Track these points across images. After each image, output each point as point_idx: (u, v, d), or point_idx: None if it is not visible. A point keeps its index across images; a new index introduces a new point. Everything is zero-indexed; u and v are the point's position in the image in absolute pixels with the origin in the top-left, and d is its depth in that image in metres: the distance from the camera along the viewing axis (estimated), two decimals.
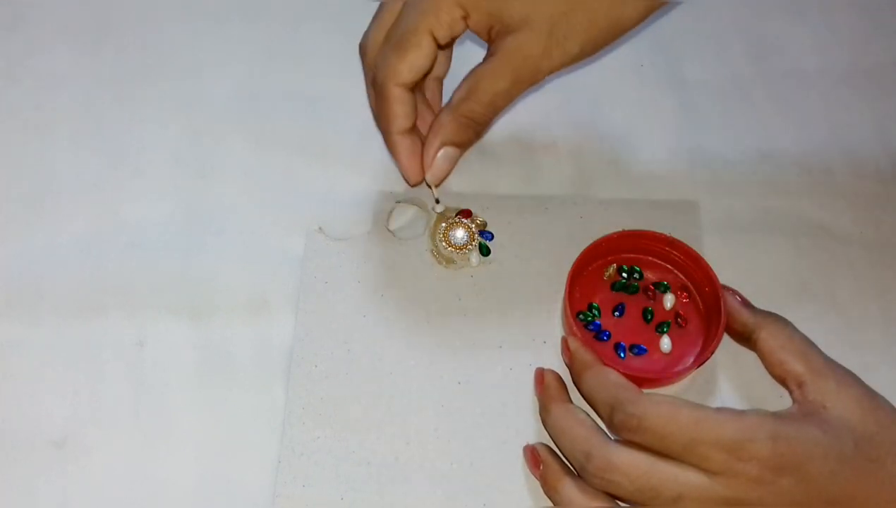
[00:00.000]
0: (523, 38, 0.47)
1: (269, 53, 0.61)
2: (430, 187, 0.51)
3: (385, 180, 0.55)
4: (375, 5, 0.62)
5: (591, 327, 0.49)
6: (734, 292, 0.48)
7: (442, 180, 0.51)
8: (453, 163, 0.51)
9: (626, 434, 0.42)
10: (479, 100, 0.48)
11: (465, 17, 0.47)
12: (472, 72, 0.49)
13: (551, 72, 0.48)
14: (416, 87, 0.50)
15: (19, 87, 0.59)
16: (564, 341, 0.48)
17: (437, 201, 0.52)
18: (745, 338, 0.47)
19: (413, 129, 0.50)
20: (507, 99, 0.49)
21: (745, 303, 0.48)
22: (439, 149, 0.50)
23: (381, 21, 0.50)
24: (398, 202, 0.54)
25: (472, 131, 0.50)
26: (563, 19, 0.46)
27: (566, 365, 0.48)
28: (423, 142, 0.50)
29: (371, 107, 0.52)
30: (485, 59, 0.49)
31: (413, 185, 0.52)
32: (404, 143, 0.50)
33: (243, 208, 0.54)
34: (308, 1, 0.63)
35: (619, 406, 0.42)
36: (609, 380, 0.44)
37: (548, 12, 0.46)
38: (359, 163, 0.56)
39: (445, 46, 0.50)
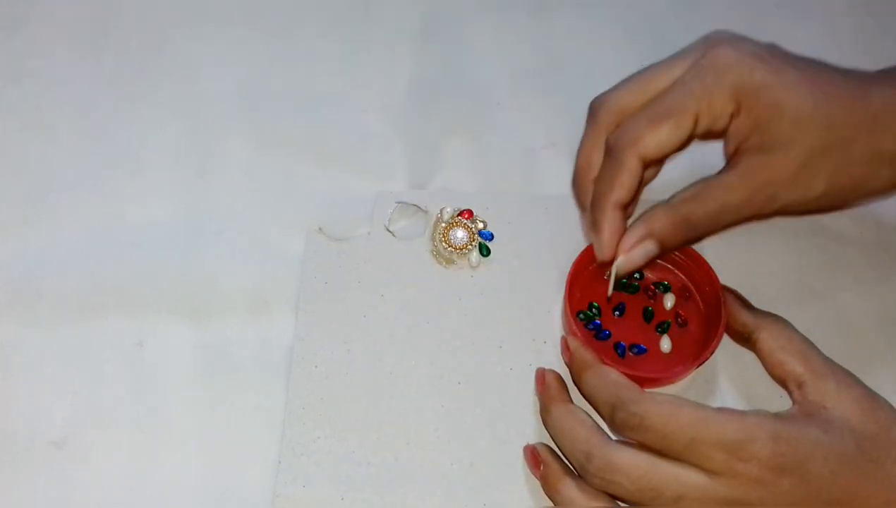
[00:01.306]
0: (776, 158, 0.44)
1: (269, 53, 0.61)
2: (610, 270, 0.47)
3: (385, 180, 0.55)
4: (373, 9, 0.63)
5: (591, 326, 0.49)
6: (734, 293, 0.48)
7: (627, 274, 0.47)
8: (647, 260, 0.45)
9: (627, 433, 0.42)
10: (704, 206, 0.45)
11: (734, 115, 0.44)
12: (705, 178, 0.45)
13: (786, 205, 0.45)
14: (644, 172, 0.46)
15: (19, 87, 0.59)
16: (564, 341, 0.47)
17: (611, 289, 0.47)
18: (745, 339, 0.47)
19: (626, 209, 0.46)
20: (734, 215, 0.45)
21: (745, 304, 0.48)
22: (643, 239, 0.45)
23: (630, 87, 0.46)
24: (398, 202, 0.54)
25: (681, 235, 0.45)
26: (819, 155, 0.44)
27: (566, 364, 0.48)
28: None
29: (575, 190, 0.48)
30: (723, 170, 0.45)
31: (599, 261, 0.47)
32: (615, 215, 0.45)
33: (243, 208, 0.54)
34: (308, 1, 0.63)
35: (621, 405, 0.42)
36: (610, 380, 0.44)
37: (810, 142, 0.43)
38: (359, 163, 0.56)
39: (693, 139, 0.46)
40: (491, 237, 0.52)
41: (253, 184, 0.55)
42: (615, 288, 0.48)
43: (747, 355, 0.48)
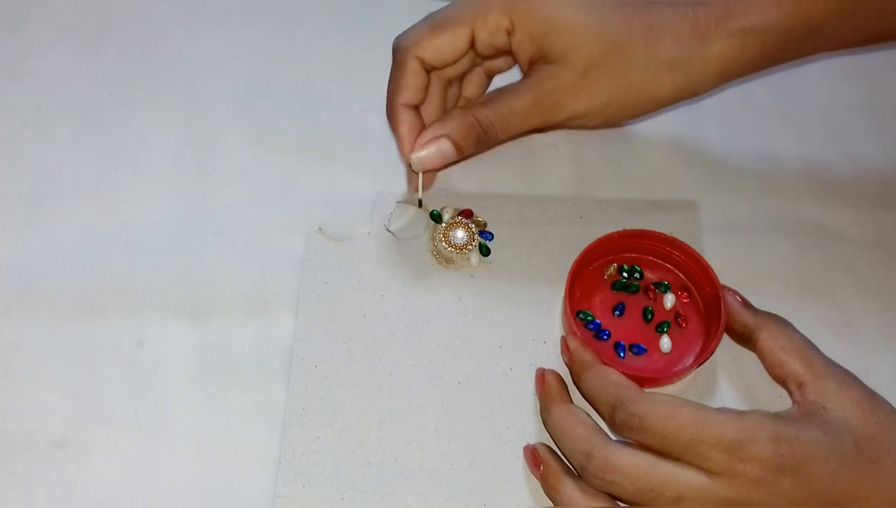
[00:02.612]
0: (557, 69, 0.47)
1: (269, 53, 0.61)
2: (414, 181, 0.51)
3: (385, 180, 0.55)
4: (374, 9, 0.63)
5: (591, 326, 0.49)
6: (734, 293, 0.48)
7: (427, 171, 0.50)
8: (444, 160, 0.49)
9: (627, 433, 0.42)
10: (496, 109, 0.48)
11: (510, 32, 0.47)
12: (499, 88, 0.49)
13: (573, 112, 0.48)
14: (434, 85, 0.50)
15: (19, 87, 0.59)
16: (564, 341, 0.48)
17: (420, 203, 0.51)
18: (746, 339, 0.47)
19: (418, 109, 0.50)
20: (521, 120, 0.49)
21: (746, 304, 0.48)
22: (438, 138, 0.49)
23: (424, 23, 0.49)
24: (398, 202, 0.54)
25: (474, 137, 0.49)
26: (599, 63, 0.46)
27: (566, 364, 0.48)
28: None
29: (388, 115, 0.51)
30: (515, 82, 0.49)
31: (406, 160, 0.50)
32: (406, 115, 0.49)
33: (243, 208, 0.54)
34: (308, 1, 0.63)
35: (621, 405, 0.42)
36: (610, 380, 0.44)
37: (587, 52, 0.46)
38: (359, 163, 0.56)
39: (482, 56, 0.49)
40: (491, 237, 0.52)
41: (253, 184, 0.55)
42: (422, 194, 0.51)
43: (747, 355, 0.48)
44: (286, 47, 0.61)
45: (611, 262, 0.50)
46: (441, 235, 0.51)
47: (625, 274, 0.50)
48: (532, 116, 0.48)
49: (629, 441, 0.42)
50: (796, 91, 0.58)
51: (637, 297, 0.49)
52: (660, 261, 0.50)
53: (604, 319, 0.49)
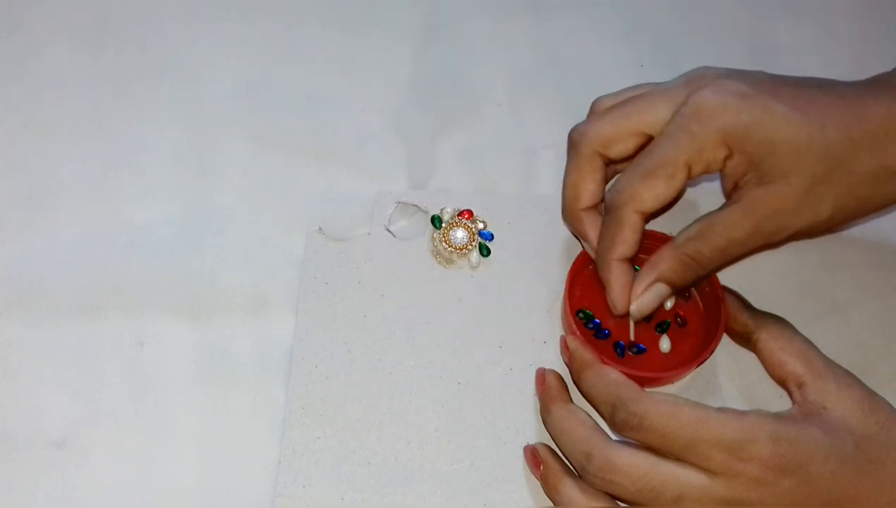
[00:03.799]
0: (778, 190, 0.43)
1: (269, 53, 0.61)
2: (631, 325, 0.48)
3: (385, 180, 0.55)
4: (374, 9, 0.62)
5: (591, 325, 0.49)
6: (734, 293, 0.48)
7: (645, 316, 0.47)
8: (662, 300, 0.46)
9: (627, 432, 0.42)
10: (711, 243, 0.45)
11: (727, 158, 0.44)
12: (707, 215, 0.45)
13: (795, 233, 0.45)
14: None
15: (19, 87, 0.59)
16: (563, 340, 0.47)
17: (632, 334, 0.48)
18: (746, 340, 0.47)
19: (632, 260, 0.47)
20: (740, 249, 0.45)
21: (745, 304, 0.48)
22: (652, 283, 0.46)
23: (613, 119, 0.47)
24: (398, 202, 0.54)
25: (691, 273, 0.46)
26: (823, 181, 0.43)
27: (566, 364, 0.48)
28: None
29: (569, 221, 0.49)
30: (724, 206, 0.45)
31: (617, 314, 0.47)
32: (621, 270, 0.46)
33: (243, 208, 0.54)
34: (308, 1, 0.63)
35: (621, 404, 0.42)
36: (610, 379, 0.44)
37: (811, 171, 0.43)
38: (359, 163, 0.56)
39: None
40: (491, 237, 0.52)
41: (253, 184, 0.55)
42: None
43: (747, 355, 0.48)
44: (286, 47, 0.61)
45: None
46: (441, 235, 0.51)
47: None
48: (752, 242, 0.45)
49: (629, 441, 0.42)
50: None
51: None
52: None
53: (604, 319, 0.49)
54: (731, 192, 0.45)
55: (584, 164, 0.47)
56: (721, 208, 0.45)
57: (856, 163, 0.44)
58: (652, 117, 0.46)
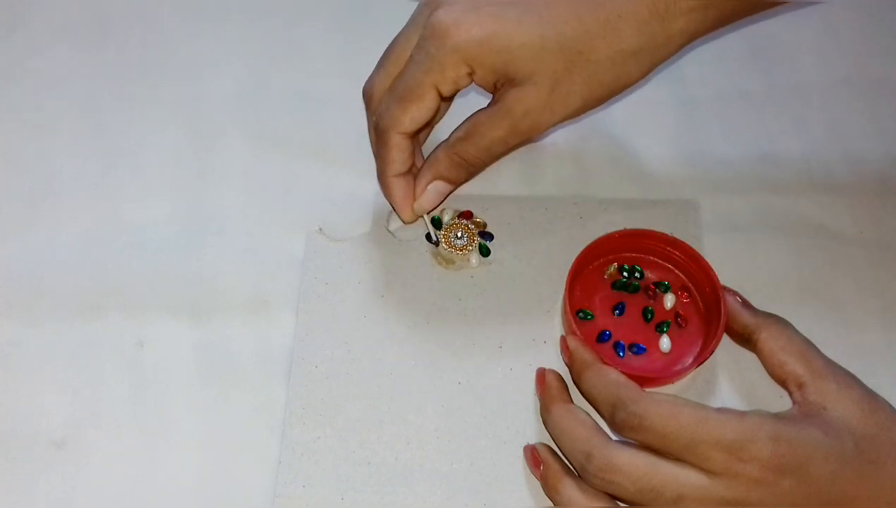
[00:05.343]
0: (526, 91, 0.46)
1: (269, 53, 0.61)
2: (426, 222, 0.52)
3: None
4: (374, 9, 0.62)
5: (588, 317, 0.49)
6: (734, 293, 0.48)
7: (429, 211, 0.52)
8: (442, 196, 0.51)
9: (627, 432, 0.42)
10: (476, 144, 0.49)
11: (471, 74, 0.47)
12: (473, 115, 0.49)
13: (552, 125, 0.48)
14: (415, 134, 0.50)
15: (19, 87, 0.59)
16: (563, 340, 0.48)
17: (434, 240, 0.52)
18: (746, 340, 0.47)
19: (408, 173, 0.51)
20: (503, 146, 0.49)
21: (746, 305, 0.48)
22: (430, 181, 0.50)
23: (385, 69, 0.50)
24: None
25: (463, 171, 0.50)
26: (566, 75, 0.46)
27: (566, 364, 0.48)
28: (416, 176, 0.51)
29: (372, 146, 0.52)
30: (488, 105, 0.48)
31: (406, 222, 0.52)
32: (398, 184, 0.51)
33: (243, 208, 0.54)
34: (308, 1, 0.63)
35: (621, 404, 0.42)
36: (610, 379, 0.44)
37: (551, 68, 0.46)
38: (359, 163, 0.56)
39: (448, 99, 0.50)
40: (491, 238, 0.52)
41: (253, 184, 0.55)
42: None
43: (747, 355, 0.48)
44: (286, 47, 0.61)
45: (611, 262, 0.50)
46: (441, 236, 0.51)
47: (625, 274, 0.50)
48: (512, 140, 0.49)
49: (629, 441, 0.42)
50: (796, 91, 0.58)
51: (637, 297, 0.49)
52: (660, 261, 0.50)
53: (603, 318, 0.49)
54: (494, 94, 0.48)
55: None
56: (485, 107, 0.49)
57: (593, 52, 0.46)
58: (405, 52, 0.48)
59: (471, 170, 0.51)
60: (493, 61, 0.46)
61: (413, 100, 0.47)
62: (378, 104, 0.50)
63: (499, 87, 0.48)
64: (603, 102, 0.49)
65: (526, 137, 0.49)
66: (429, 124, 0.52)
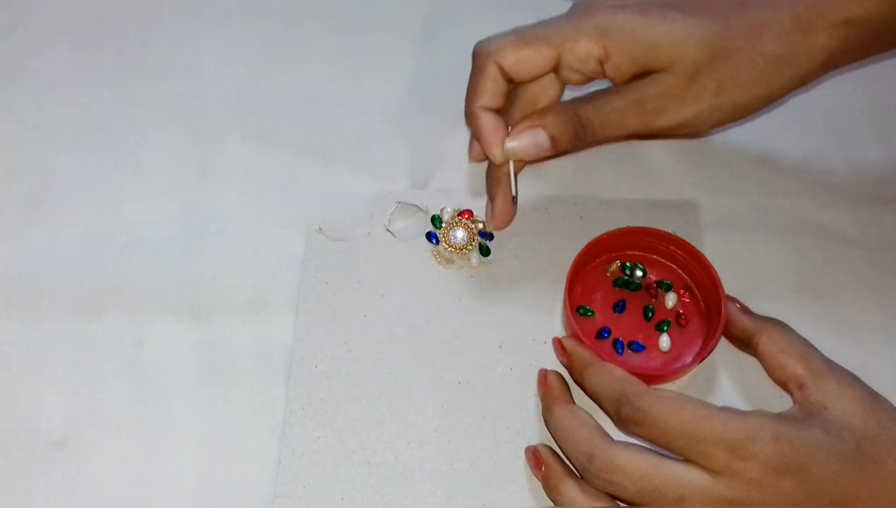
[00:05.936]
0: (662, 76, 0.46)
1: (269, 53, 0.61)
2: (511, 173, 0.49)
3: (385, 180, 0.55)
4: (374, 9, 0.63)
5: (587, 313, 0.49)
6: (734, 300, 0.48)
7: (520, 160, 0.49)
8: (539, 152, 0.48)
9: (631, 427, 0.42)
10: (595, 107, 0.47)
11: (602, 61, 0.46)
12: (600, 90, 0.48)
13: (677, 120, 0.47)
14: (511, 92, 0.49)
15: (19, 87, 0.59)
16: (558, 342, 0.47)
17: (515, 200, 0.49)
18: (746, 344, 0.47)
19: (498, 113, 0.48)
20: (620, 119, 0.47)
21: (745, 310, 0.48)
22: (534, 127, 0.47)
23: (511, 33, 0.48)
24: (398, 202, 0.54)
25: (571, 132, 0.47)
26: (705, 68, 0.46)
27: (563, 365, 0.48)
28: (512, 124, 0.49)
29: (466, 119, 0.49)
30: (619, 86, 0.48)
31: (496, 161, 0.48)
32: (487, 117, 0.48)
33: (243, 208, 0.54)
34: (308, 1, 0.63)
35: (626, 399, 0.42)
36: (613, 375, 0.44)
37: (693, 59, 0.46)
38: (359, 163, 0.56)
39: (564, 82, 0.49)
40: (491, 237, 0.52)
41: (253, 184, 0.55)
42: (516, 193, 0.50)
43: (748, 357, 0.48)
44: (286, 47, 0.61)
45: (613, 259, 0.50)
46: (441, 235, 0.51)
47: (627, 272, 0.50)
48: (632, 117, 0.47)
49: (631, 441, 0.42)
50: (796, 91, 0.58)
51: (638, 295, 0.49)
52: (663, 260, 0.50)
53: (603, 315, 0.49)
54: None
55: (479, 73, 0.48)
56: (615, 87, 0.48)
57: (735, 50, 0.46)
58: (546, 29, 0.47)
59: (579, 134, 0.48)
60: (633, 49, 0.46)
61: (531, 43, 0.46)
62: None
63: (629, 80, 0.47)
64: (739, 111, 0.48)
65: (647, 120, 0.47)
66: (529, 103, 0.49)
